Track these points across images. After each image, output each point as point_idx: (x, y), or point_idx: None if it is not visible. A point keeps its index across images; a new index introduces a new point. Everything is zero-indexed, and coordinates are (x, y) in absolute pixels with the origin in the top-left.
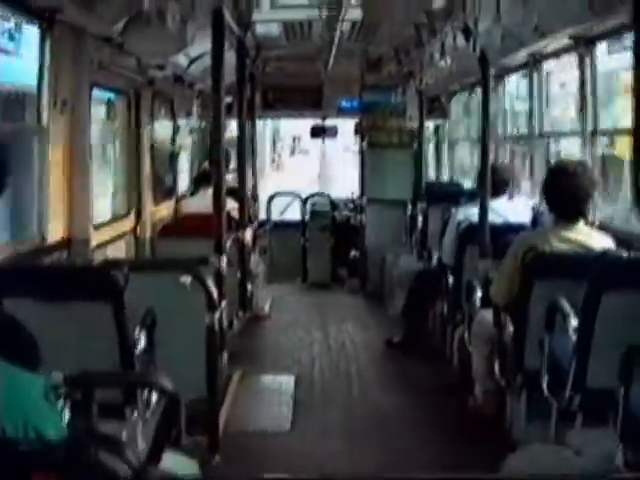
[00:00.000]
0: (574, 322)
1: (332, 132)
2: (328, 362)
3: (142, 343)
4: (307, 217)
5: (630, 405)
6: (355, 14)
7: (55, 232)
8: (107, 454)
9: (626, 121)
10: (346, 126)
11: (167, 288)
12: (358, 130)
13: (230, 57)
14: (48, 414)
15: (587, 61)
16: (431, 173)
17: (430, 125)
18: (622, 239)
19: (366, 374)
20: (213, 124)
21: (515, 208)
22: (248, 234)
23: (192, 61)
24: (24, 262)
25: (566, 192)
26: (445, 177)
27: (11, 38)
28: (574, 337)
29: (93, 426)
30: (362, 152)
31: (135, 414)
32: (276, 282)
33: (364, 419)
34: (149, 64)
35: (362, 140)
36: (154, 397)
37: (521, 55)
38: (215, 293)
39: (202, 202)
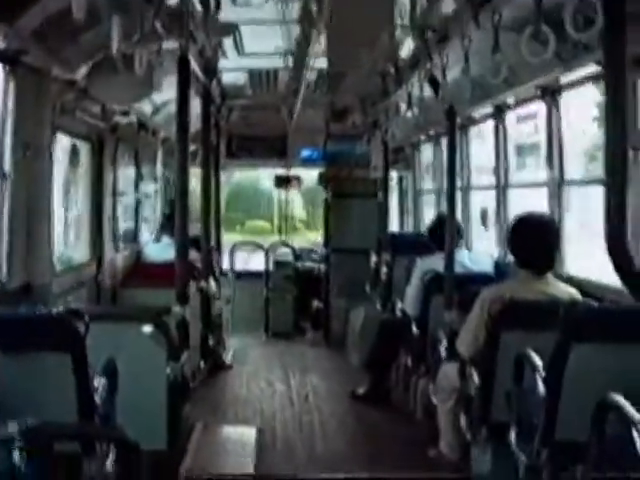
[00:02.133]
0: (543, 374)
1: (296, 182)
2: (291, 413)
3: (102, 393)
4: (270, 267)
5: (601, 459)
6: (321, 63)
7: (15, 278)
8: None
9: None
10: (311, 175)
11: (129, 338)
12: (322, 180)
13: (195, 105)
14: None
15: (554, 111)
16: (395, 224)
17: (394, 175)
18: (587, 291)
19: (329, 426)
20: (178, 172)
21: (476, 258)
22: (212, 284)
23: (157, 108)
24: None
25: (532, 244)
26: (409, 228)
27: None
28: (542, 389)
29: None
30: (326, 202)
31: (92, 466)
32: (238, 332)
33: (326, 471)
34: (113, 110)
35: (326, 190)
36: (112, 449)
37: (486, 105)
38: (177, 343)
39: (164, 251)
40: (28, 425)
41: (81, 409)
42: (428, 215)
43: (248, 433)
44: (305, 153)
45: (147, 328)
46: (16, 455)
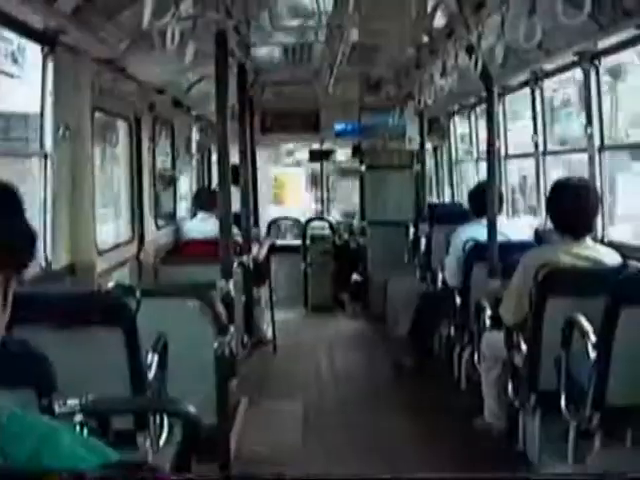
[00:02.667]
0: (593, 339)
1: (330, 156)
2: (334, 387)
3: (154, 369)
4: (308, 241)
5: None
6: (354, 36)
7: (59, 258)
8: None
9: None
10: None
11: (176, 313)
12: (357, 152)
13: (230, 81)
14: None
15: (592, 76)
16: (432, 194)
17: (429, 146)
18: (628, 254)
19: (373, 398)
20: (218, 149)
21: (516, 227)
22: (262, 254)
23: (191, 85)
24: (29, 288)
25: (571, 209)
26: (446, 198)
27: (14, 61)
28: (593, 354)
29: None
30: (361, 175)
31: (147, 441)
32: (278, 307)
33: (374, 442)
34: (149, 88)
35: (361, 163)
36: (166, 424)
37: (523, 73)
38: (224, 318)
39: (202, 227)
40: (88, 400)
41: (133, 384)
42: (464, 185)
43: (294, 408)
44: (339, 127)
45: (194, 303)
46: (77, 430)
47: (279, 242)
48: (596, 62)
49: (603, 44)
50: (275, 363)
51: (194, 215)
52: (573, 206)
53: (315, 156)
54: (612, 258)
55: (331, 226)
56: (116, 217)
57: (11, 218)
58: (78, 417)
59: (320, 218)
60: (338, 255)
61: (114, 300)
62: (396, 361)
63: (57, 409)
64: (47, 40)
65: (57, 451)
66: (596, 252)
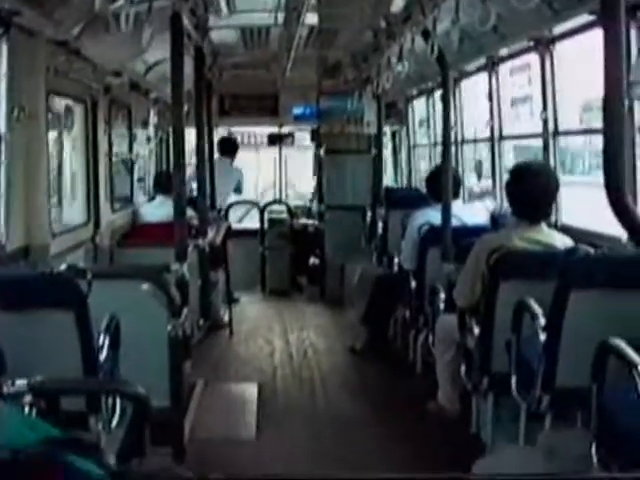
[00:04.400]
0: (543, 321)
1: (289, 139)
2: (290, 370)
3: (105, 351)
4: (266, 225)
5: (603, 402)
6: (313, 19)
7: (13, 240)
8: (84, 459)
9: None
10: (304, 132)
11: (129, 295)
12: (315, 137)
13: (187, 64)
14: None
15: (547, 62)
16: (389, 179)
17: (387, 130)
18: (581, 239)
19: (329, 381)
20: (174, 132)
21: (472, 211)
22: (219, 238)
23: (149, 68)
24: None
25: (529, 193)
26: (403, 182)
27: None
28: (542, 337)
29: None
30: (319, 159)
31: (99, 423)
32: (235, 290)
33: (328, 426)
34: (106, 71)
35: (319, 147)
36: (118, 406)
37: (479, 58)
38: (178, 300)
39: (159, 210)
40: (36, 380)
41: (85, 366)
42: (421, 170)
43: (249, 390)
44: (297, 110)
45: (147, 286)
46: (25, 411)
47: (237, 226)
48: (551, 47)
49: (558, 30)
50: (231, 346)
51: (152, 198)
52: (532, 190)
53: (273, 140)
54: (565, 243)
55: (289, 210)
56: (71, 200)
57: None
58: (27, 398)
59: (278, 201)
60: (296, 239)
61: (65, 282)
62: (352, 344)
63: (5, 390)
64: (1, 22)
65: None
66: (550, 237)
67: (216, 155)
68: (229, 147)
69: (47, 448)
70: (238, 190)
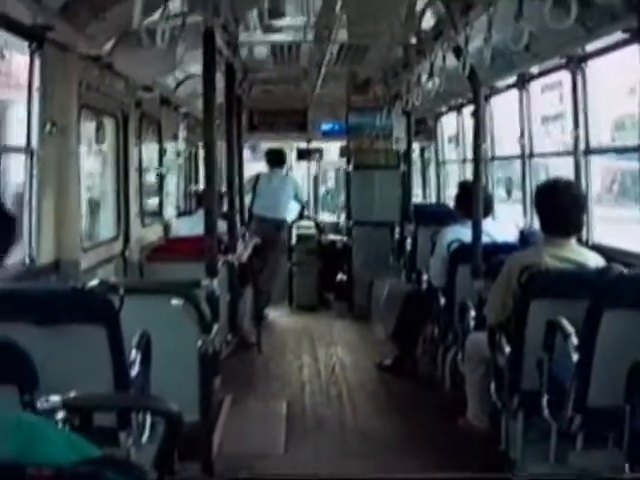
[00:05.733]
0: (575, 341)
1: (317, 155)
2: (318, 386)
3: (137, 366)
4: (294, 241)
5: (636, 423)
6: (343, 36)
7: (44, 255)
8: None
9: None
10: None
11: (160, 311)
12: (344, 152)
13: (218, 79)
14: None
15: (579, 79)
16: (418, 194)
17: (416, 147)
18: (612, 257)
19: (357, 398)
20: (205, 147)
21: (502, 228)
22: (245, 254)
23: (179, 83)
24: (13, 284)
25: (558, 210)
26: (432, 199)
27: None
28: (575, 356)
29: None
30: (348, 174)
31: (130, 440)
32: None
33: (356, 442)
34: (137, 85)
35: (348, 162)
36: (148, 422)
37: (510, 75)
38: (208, 316)
39: (190, 225)
40: (70, 396)
41: (117, 382)
42: (450, 186)
43: (278, 406)
44: (326, 126)
45: (178, 301)
46: (59, 427)
47: None
48: (583, 65)
49: (590, 47)
50: (259, 362)
51: (194, 211)
52: (561, 207)
53: (302, 155)
54: (596, 261)
55: (317, 225)
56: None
57: None
58: (60, 414)
59: (306, 217)
60: (324, 255)
61: (97, 297)
62: (380, 361)
63: (39, 405)
64: (34, 36)
65: (43, 449)
66: (580, 255)
67: (265, 169)
68: (277, 158)
69: (90, 467)
70: (298, 199)
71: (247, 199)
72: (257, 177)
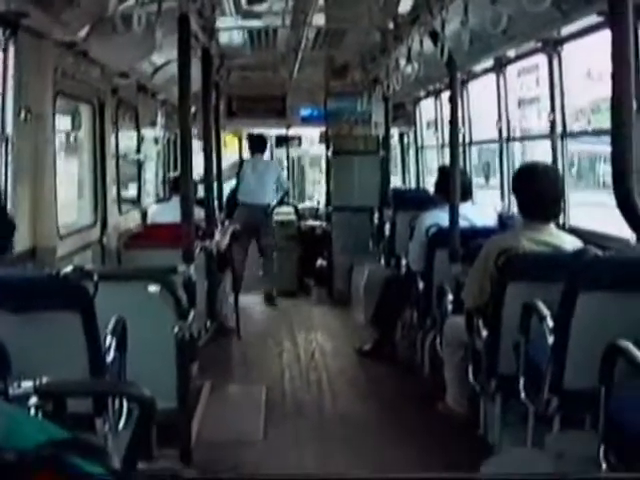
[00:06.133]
0: (550, 323)
1: (296, 141)
2: (298, 371)
3: (112, 352)
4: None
5: (611, 405)
6: (320, 20)
7: (20, 242)
8: (90, 462)
9: None
10: (313, 132)
11: (136, 297)
12: (323, 138)
13: (194, 66)
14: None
15: (555, 63)
16: (397, 180)
17: (395, 132)
18: (590, 240)
19: (336, 383)
20: (181, 133)
21: (481, 212)
22: (224, 241)
23: (156, 70)
24: None
25: (537, 194)
26: (411, 184)
27: None
28: (550, 339)
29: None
30: (327, 160)
31: (106, 425)
32: (242, 291)
33: (336, 428)
34: (113, 72)
35: (327, 148)
36: (125, 408)
37: (486, 59)
38: (185, 302)
39: (175, 211)
40: (42, 382)
41: (92, 368)
42: (429, 171)
43: (257, 392)
44: (305, 112)
45: (154, 287)
46: (31, 413)
47: None
48: (559, 49)
49: (566, 31)
50: (238, 348)
51: (168, 198)
52: (540, 190)
53: (280, 141)
54: (573, 244)
55: (297, 211)
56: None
57: None
58: (33, 400)
59: (286, 203)
60: (303, 240)
61: (71, 283)
62: (360, 346)
63: (11, 391)
64: (8, 23)
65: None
66: (558, 238)
67: (246, 155)
68: (259, 144)
69: (53, 450)
70: (280, 185)
71: (227, 185)
72: (241, 163)
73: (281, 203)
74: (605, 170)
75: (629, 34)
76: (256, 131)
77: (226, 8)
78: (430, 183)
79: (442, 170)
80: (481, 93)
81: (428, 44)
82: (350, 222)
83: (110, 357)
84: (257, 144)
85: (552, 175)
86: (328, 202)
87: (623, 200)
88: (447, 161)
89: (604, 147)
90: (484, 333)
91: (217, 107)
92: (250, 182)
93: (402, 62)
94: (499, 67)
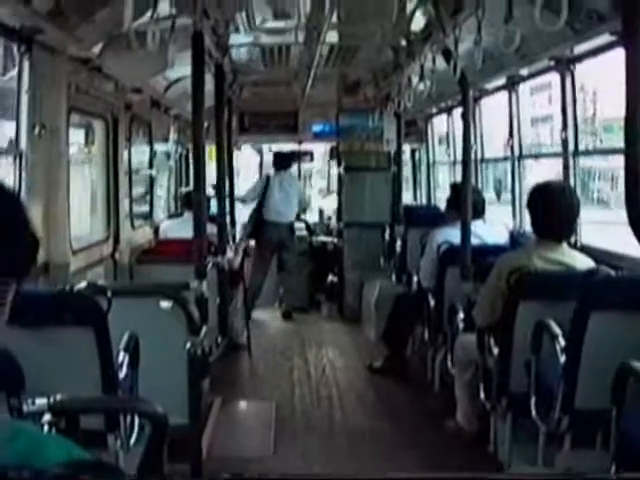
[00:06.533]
0: (562, 342)
1: (308, 156)
2: (308, 388)
3: (125, 368)
4: None
5: (623, 425)
6: (333, 37)
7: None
8: None
9: None
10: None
11: (149, 313)
12: (334, 154)
13: (207, 81)
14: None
15: (568, 81)
16: (409, 197)
17: (407, 148)
18: (602, 260)
19: (347, 400)
20: (194, 149)
21: (492, 230)
22: (237, 259)
23: (169, 85)
24: None
25: (551, 213)
26: (423, 200)
27: None
28: (562, 358)
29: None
30: (339, 176)
31: (118, 442)
32: (253, 307)
33: (346, 444)
34: (126, 88)
35: (339, 164)
36: (136, 424)
37: (499, 77)
38: (197, 318)
39: (180, 227)
40: (57, 399)
41: (104, 384)
42: (441, 188)
43: (267, 408)
44: (317, 128)
45: (167, 303)
46: (45, 430)
47: None
48: (572, 67)
49: (579, 49)
50: (249, 364)
51: (180, 213)
52: (554, 210)
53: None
54: (585, 263)
55: (308, 227)
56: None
57: (14, 225)
58: (47, 417)
59: (297, 219)
60: (314, 256)
61: (85, 299)
62: (370, 362)
63: (25, 408)
64: (23, 39)
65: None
66: (570, 257)
67: (271, 171)
68: (286, 161)
69: (69, 471)
70: (299, 202)
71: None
72: (267, 181)
73: (298, 218)
74: (599, 186)
75: None
76: (268, 147)
77: (240, 25)
78: (441, 200)
79: (454, 187)
80: (494, 110)
81: (440, 61)
82: (361, 238)
83: (123, 373)
84: (283, 162)
85: (567, 194)
86: (339, 218)
87: (636, 218)
88: (459, 178)
89: (598, 162)
90: (495, 351)
91: (229, 122)
92: (277, 200)
93: (414, 79)
94: (511, 85)
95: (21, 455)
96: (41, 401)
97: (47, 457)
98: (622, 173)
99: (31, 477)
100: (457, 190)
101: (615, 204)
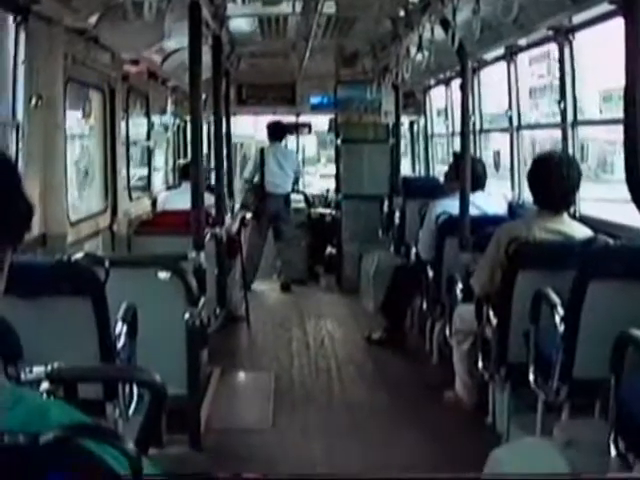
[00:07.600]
0: (561, 312)
1: (306, 128)
2: (307, 359)
3: (123, 338)
4: None
5: (621, 394)
6: (331, 8)
7: (31, 228)
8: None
9: None
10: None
11: (147, 284)
12: (332, 127)
13: (205, 53)
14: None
15: (566, 51)
16: (407, 168)
17: (405, 120)
18: (601, 229)
19: (345, 371)
20: (191, 120)
21: (492, 201)
22: (234, 228)
23: (166, 57)
24: None
25: (551, 182)
26: (421, 172)
27: None
28: (561, 327)
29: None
30: (337, 148)
31: (117, 411)
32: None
33: (344, 415)
34: (123, 59)
35: (337, 136)
36: (135, 393)
37: (497, 47)
38: (195, 288)
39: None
40: (54, 367)
41: (102, 354)
42: (439, 159)
43: (266, 379)
44: (315, 99)
45: (165, 274)
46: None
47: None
48: (570, 37)
49: (577, 19)
50: (248, 335)
51: (178, 185)
52: (555, 180)
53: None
54: (583, 233)
55: (306, 199)
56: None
57: (9, 193)
58: (44, 385)
59: (296, 191)
60: (313, 228)
61: (82, 269)
62: (369, 334)
63: (23, 376)
64: (19, 9)
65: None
66: (569, 227)
67: (266, 142)
68: (280, 132)
69: (68, 432)
70: (295, 173)
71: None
72: (261, 153)
73: (293, 190)
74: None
75: None
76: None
77: None
78: (440, 171)
79: (456, 156)
80: (492, 81)
81: (439, 32)
82: (360, 210)
83: (120, 343)
84: (277, 132)
85: (568, 165)
86: (337, 190)
87: (636, 189)
88: (457, 149)
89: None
90: (494, 321)
91: (227, 94)
92: (272, 171)
93: (412, 50)
94: (510, 55)
95: (23, 421)
96: (38, 369)
97: (49, 422)
98: None
99: (27, 441)
100: (458, 160)
101: None
